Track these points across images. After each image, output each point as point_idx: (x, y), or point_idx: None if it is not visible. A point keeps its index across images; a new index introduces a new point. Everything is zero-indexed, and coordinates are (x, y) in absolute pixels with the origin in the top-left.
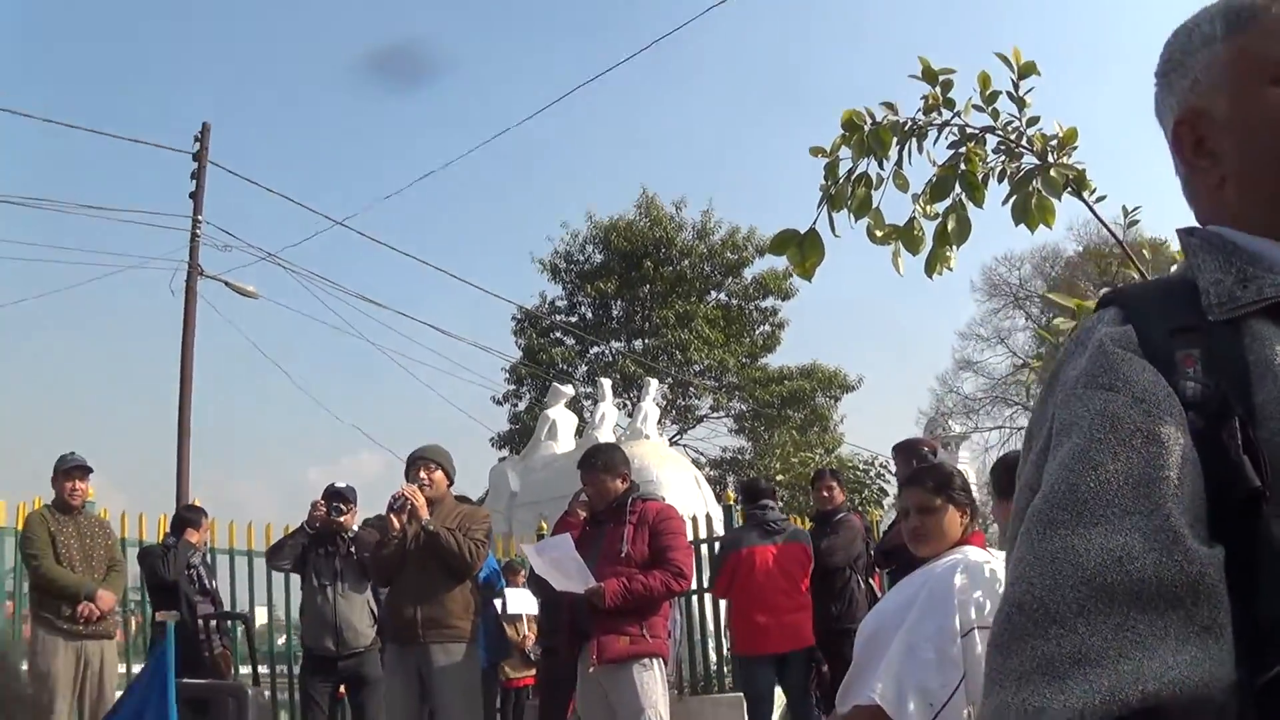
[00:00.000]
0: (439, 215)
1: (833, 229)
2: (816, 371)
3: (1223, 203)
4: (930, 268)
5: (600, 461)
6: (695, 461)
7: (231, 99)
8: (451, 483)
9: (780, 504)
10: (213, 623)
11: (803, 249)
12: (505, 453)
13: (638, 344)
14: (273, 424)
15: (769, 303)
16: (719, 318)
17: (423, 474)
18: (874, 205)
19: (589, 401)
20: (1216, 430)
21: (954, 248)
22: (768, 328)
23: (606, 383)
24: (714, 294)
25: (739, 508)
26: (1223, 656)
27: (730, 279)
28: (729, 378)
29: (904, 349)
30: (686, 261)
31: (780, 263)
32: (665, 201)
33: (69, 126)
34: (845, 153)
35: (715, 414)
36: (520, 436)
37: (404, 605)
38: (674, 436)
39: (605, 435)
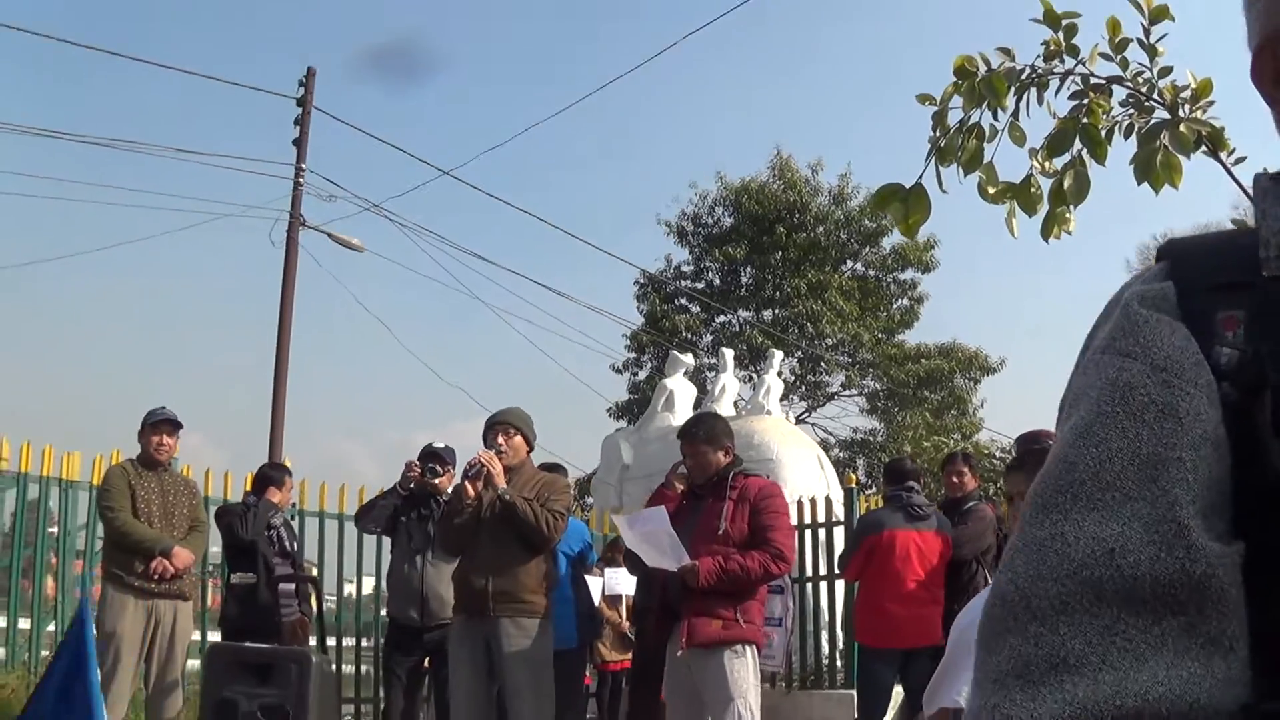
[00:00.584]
0: (553, 171)
1: (940, 184)
2: (956, 351)
3: None
4: (1047, 230)
5: (702, 431)
6: (823, 442)
7: (336, 42)
8: (531, 449)
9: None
10: (291, 586)
11: (907, 205)
12: (624, 423)
13: (766, 314)
14: (376, 384)
15: (908, 275)
16: (854, 289)
17: (500, 439)
18: (986, 160)
19: (711, 373)
20: (1250, 405)
21: (1071, 208)
22: (906, 302)
23: (728, 353)
24: (850, 264)
25: (869, 492)
26: (1230, 675)
27: (867, 248)
28: (863, 354)
29: (1052, 331)
30: (821, 228)
31: (920, 233)
32: (800, 164)
33: (168, 68)
34: (957, 102)
35: (846, 392)
36: (639, 407)
37: (475, 576)
38: (801, 414)
39: (724, 408)
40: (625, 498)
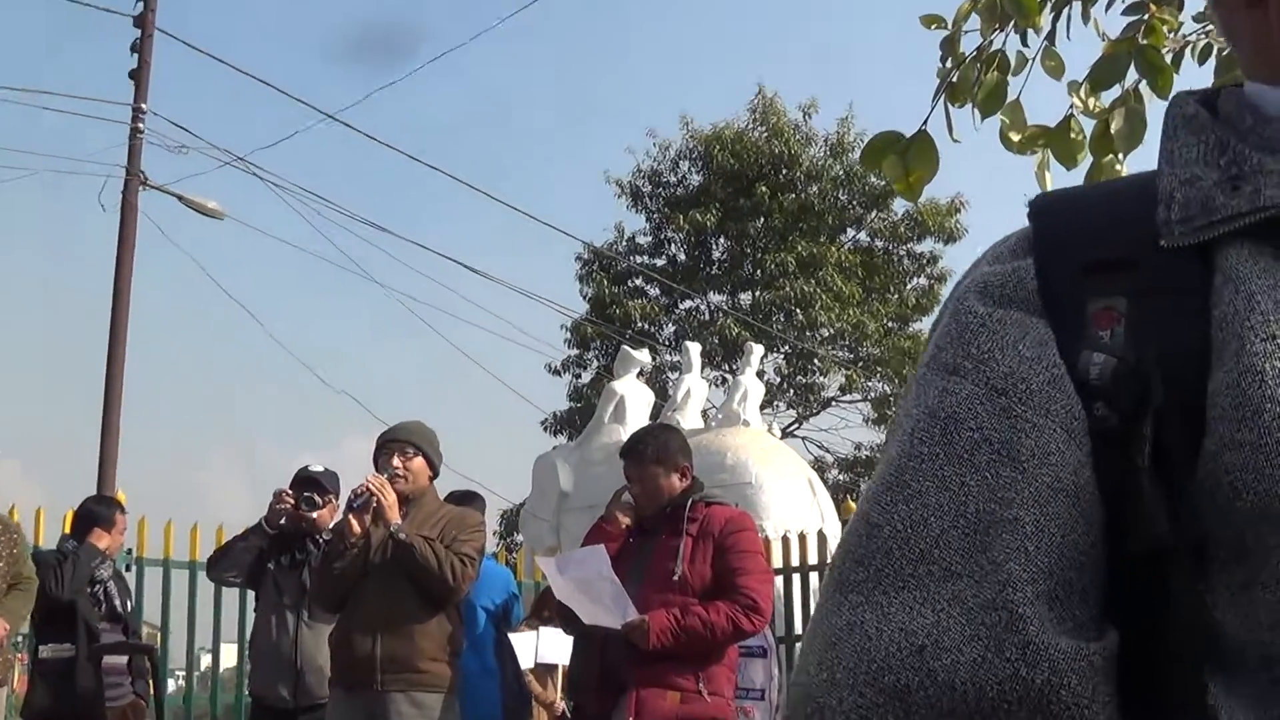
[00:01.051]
0: (472, 117)
1: (950, 130)
2: None
3: (1273, 63)
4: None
5: (650, 448)
6: (816, 461)
7: None
8: (436, 474)
9: None
10: (122, 660)
11: (907, 158)
12: (562, 439)
13: (744, 298)
14: (241, 391)
15: (926, 246)
16: (856, 265)
17: (396, 462)
18: (1011, 97)
19: (673, 374)
20: (1129, 435)
21: (1122, 157)
22: (923, 281)
23: (694, 348)
24: (851, 232)
25: None
26: None
27: (874, 212)
28: (867, 347)
29: None
30: (815, 188)
31: (940, 190)
32: (789, 105)
33: None
34: (974, 23)
35: (846, 397)
36: (581, 418)
37: (359, 637)
38: (789, 425)
39: (690, 418)
40: (563, 534)
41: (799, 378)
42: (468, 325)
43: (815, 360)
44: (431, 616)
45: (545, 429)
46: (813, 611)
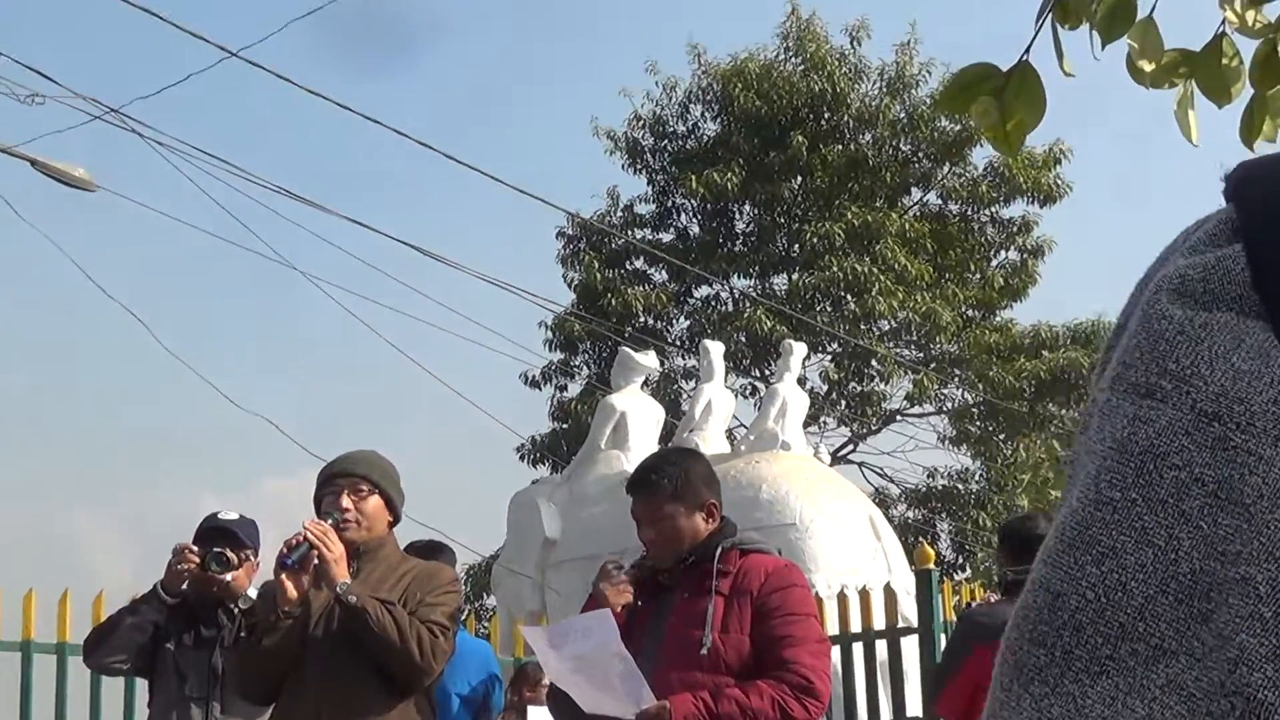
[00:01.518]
0: (420, 59)
1: (1060, 61)
2: (1099, 336)
3: None
4: (1252, 129)
5: (666, 481)
6: (879, 494)
7: None
8: (396, 519)
9: None
10: None
11: (1004, 98)
12: (543, 471)
13: (778, 281)
14: (126, 414)
15: (1016, 210)
16: (925, 236)
17: (345, 503)
18: (1142, 13)
19: (689, 382)
20: None
21: None
22: (1014, 255)
23: (715, 348)
24: (917, 193)
25: (962, 576)
26: None
27: (947, 167)
28: (941, 343)
29: None
30: (868, 135)
31: (1034, 138)
32: (832, 29)
33: None
34: None
35: (916, 409)
36: (570, 442)
37: None
38: (842, 448)
39: (712, 440)
40: (550, 595)
41: (853, 385)
42: (421, 326)
43: (874, 361)
44: (393, 707)
45: (522, 457)
46: (987, 706)
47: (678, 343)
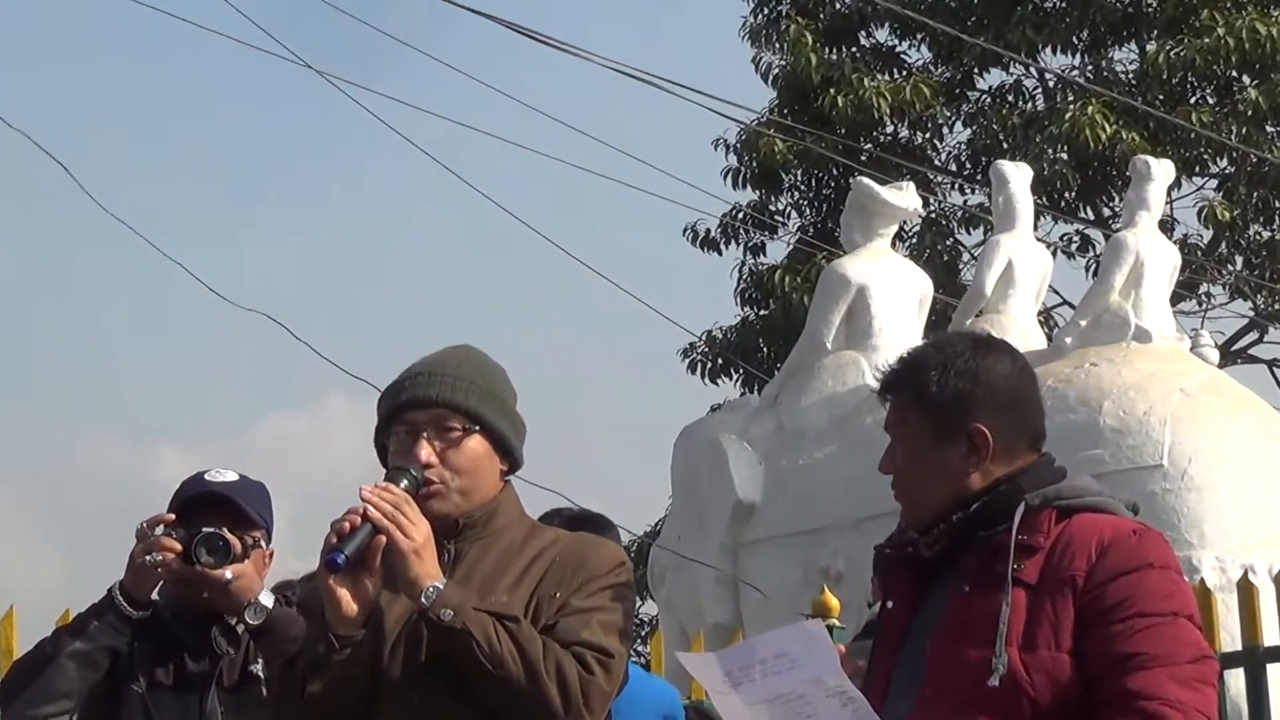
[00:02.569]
0: None
1: None
2: None
3: None
4: None
5: (923, 379)
6: None
7: None
8: (514, 466)
9: None
10: None
11: None
12: (731, 386)
13: (1122, 57)
14: (38, 323)
15: None
16: None
17: (424, 451)
18: None
19: (974, 233)
20: None
21: None
22: None
23: (1015, 176)
24: None
25: None
26: None
27: None
28: None
29: None
30: None
31: None
32: None
33: None
34: None
35: None
36: (774, 340)
37: None
38: (1238, 335)
39: (1017, 327)
40: (746, 595)
41: (1257, 229)
42: (518, 157)
43: None
44: None
45: (693, 366)
46: None
47: (952, 167)
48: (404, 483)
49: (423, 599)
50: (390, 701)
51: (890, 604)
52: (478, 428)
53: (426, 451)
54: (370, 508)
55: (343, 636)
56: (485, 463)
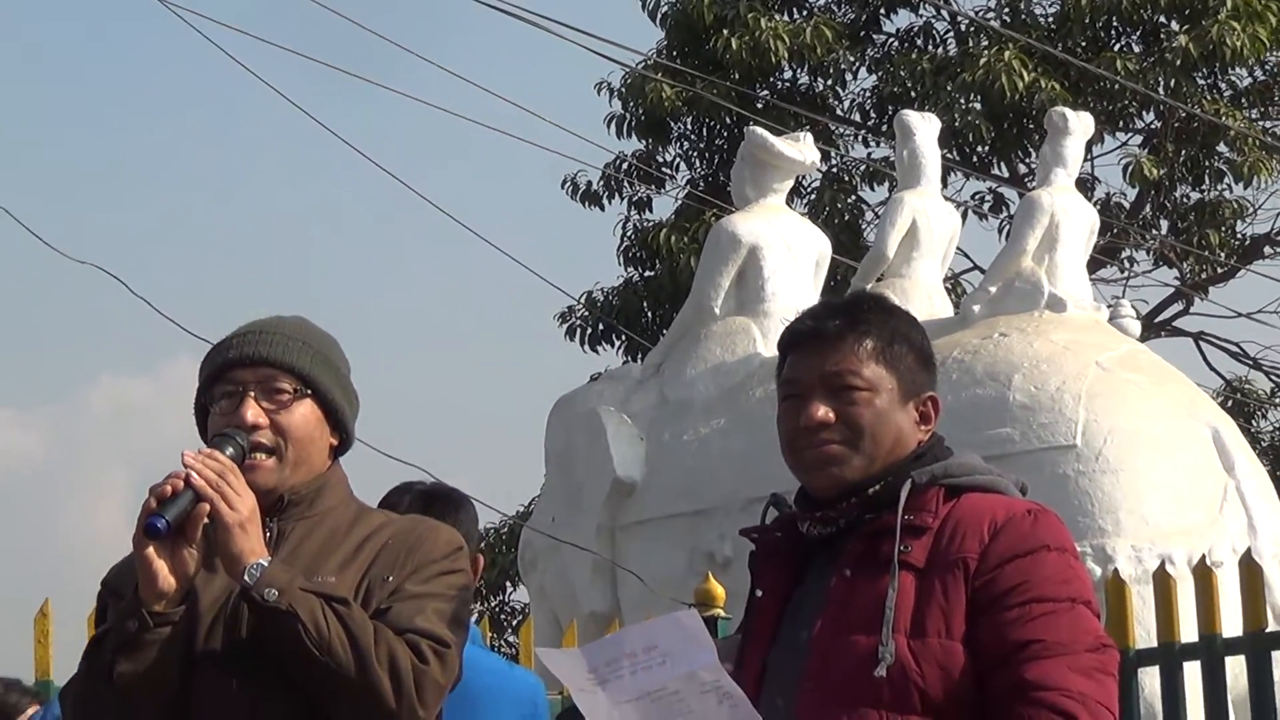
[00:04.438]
0: None
1: None
2: None
3: None
4: None
5: (868, 329)
6: (1232, 392)
7: None
8: (345, 442)
9: None
10: None
11: None
12: (612, 358)
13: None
14: None
15: None
16: None
17: (251, 414)
18: None
19: (877, 189)
20: None
21: None
22: None
23: (921, 126)
24: None
25: None
26: None
27: None
28: None
29: None
30: None
31: None
32: None
33: None
34: None
35: None
36: (658, 304)
37: None
38: (1163, 307)
39: (921, 294)
40: (625, 581)
41: (1184, 190)
42: (380, 98)
43: (1221, 146)
44: None
45: (570, 332)
46: None
47: (855, 117)
48: (229, 450)
49: (245, 576)
50: (205, 686)
51: (760, 593)
52: (309, 392)
53: (254, 412)
54: (193, 471)
55: (158, 613)
56: (315, 432)
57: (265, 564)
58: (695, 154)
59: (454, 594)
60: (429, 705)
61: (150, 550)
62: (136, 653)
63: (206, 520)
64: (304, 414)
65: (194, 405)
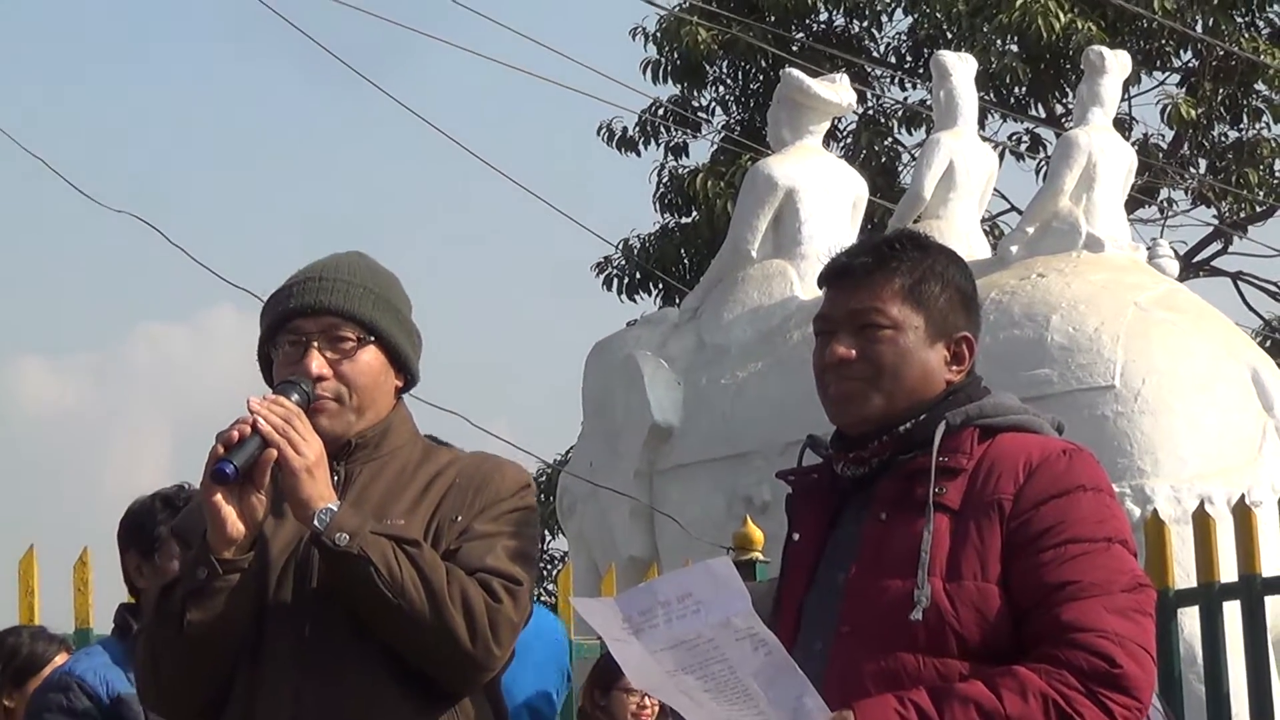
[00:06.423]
0: None
1: None
2: None
3: None
4: None
5: (899, 265)
6: (1271, 333)
7: None
8: (410, 381)
9: None
10: None
11: None
12: (649, 304)
13: None
14: None
15: None
16: None
17: (315, 364)
18: None
19: (914, 132)
20: None
21: None
22: None
23: (958, 68)
24: None
25: None
26: None
27: None
28: None
29: None
30: None
31: None
32: None
33: None
34: None
35: None
36: (694, 250)
37: None
38: (1200, 246)
39: (957, 233)
40: (664, 526)
41: (1222, 130)
42: (418, 45)
43: (1259, 84)
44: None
45: (608, 281)
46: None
47: (891, 59)
48: (294, 397)
49: (315, 522)
50: (277, 634)
51: (796, 536)
52: (373, 338)
53: (318, 363)
54: (259, 418)
55: (228, 561)
56: (380, 377)
57: (335, 508)
58: (731, 98)
59: (523, 531)
60: (504, 644)
61: (218, 496)
62: (207, 600)
63: (274, 466)
64: (368, 361)
65: (257, 354)
